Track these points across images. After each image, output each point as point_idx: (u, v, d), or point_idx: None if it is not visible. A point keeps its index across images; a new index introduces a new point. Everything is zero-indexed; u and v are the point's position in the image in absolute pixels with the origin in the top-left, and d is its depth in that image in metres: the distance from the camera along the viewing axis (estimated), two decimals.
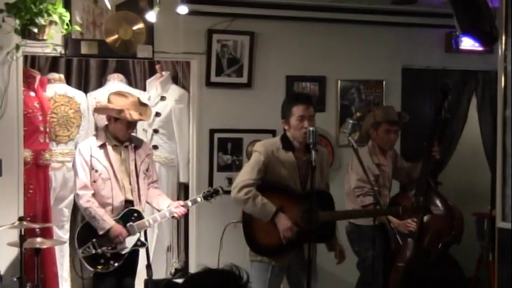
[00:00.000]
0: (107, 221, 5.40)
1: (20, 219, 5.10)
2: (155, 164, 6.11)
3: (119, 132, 5.53)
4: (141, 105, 5.67)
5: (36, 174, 6.12)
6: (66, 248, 6.44)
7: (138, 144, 5.66)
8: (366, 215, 5.55)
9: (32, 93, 6.11)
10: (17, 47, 5.69)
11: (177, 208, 5.58)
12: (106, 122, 5.65)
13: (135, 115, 5.50)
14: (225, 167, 6.59)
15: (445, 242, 5.67)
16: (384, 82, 7.04)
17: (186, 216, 6.20)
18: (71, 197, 6.40)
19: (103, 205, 5.45)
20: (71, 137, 6.44)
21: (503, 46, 4.61)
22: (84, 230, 5.48)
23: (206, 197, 5.71)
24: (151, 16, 5.88)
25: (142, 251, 5.65)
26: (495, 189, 4.76)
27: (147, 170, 5.65)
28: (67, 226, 6.54)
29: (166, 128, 6.75)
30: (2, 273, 5.53)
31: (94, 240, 5.40)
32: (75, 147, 6.18)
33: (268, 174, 4.95)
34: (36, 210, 6.05)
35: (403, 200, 5.80)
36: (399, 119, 6.06)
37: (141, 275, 5.71)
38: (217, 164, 6.58)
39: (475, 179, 7.71)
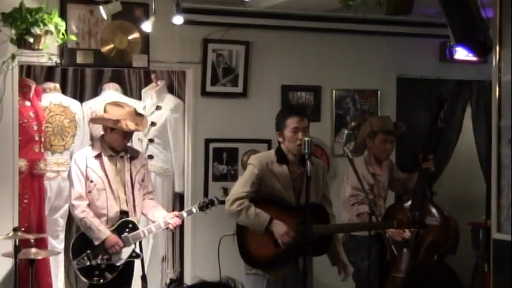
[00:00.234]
0: (103, 231, 5.39)
1: (15, 229, 5.09)
2: (150, 174, 6.10)
3: (115, 142, 5.52)
4: (137, 116, 5.67)
5: (31, 184, 6.11)
6: (61, 258, 6.42)
7: (133, 154, 5.65)
8: (360, 228, 5.54)
9: (28, 103, 6.11)
10: (13, 57, 5.68)
11: (172, 219, 5.56)
12: (101, 132, 5.64)
13: (131, 125, 5.50)
14: (220, 176, 6.59)
15: (441, 252, 5.67)
16: (379, 91, 7.06)
17: (181, 226, 6.18)
18: (66, 206, 6.39)
19: (98, 216, 5.43)
20: (66, 147, 6.43)
21: (498, 56, 4.61)
22: (79, 241, 5.46)
23: (201, 208, 5.68)
24: (146, 26, 5.89)
25: (137, 262, 5.63)
26: (490, 198, 4.75)
27: (142, 181, 5.64)
28: (62, 236, 6.51)
29: (162, 138, 6.75)
30: None
31: (89, 251, 5.37)
32: (70, 157, 6.17)
33: (262, 187, 4.94)
34: (31, 220, 6.04)
35: (398, 211, 5.79)
36: (395, 128, 6.07)
37: (136, 286, 5.70)
38: (213, 174, 6.58)
39: (470, 188, 7.72)
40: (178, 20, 5.78)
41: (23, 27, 5.44)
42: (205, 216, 5.91)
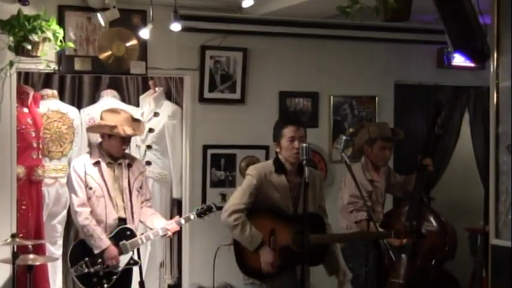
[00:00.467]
0: (104, 240, 5.38)
1: (13, 235, 5.08)
2: (148, 181, 6.10)
3: (113, 149, 5.52)
4: (134, 121, 5.68)
5: (29, 191, 6.10)
6: (59, 264, 6.41)
7: (131, 161, 5.65)
8: (357, 238, 5.55)
9: (25, 110, 6.11)
10: (11, 64, 5.69)
11: (171, 225, 5.56)
12: (99, 139, 5.64)
13: (128, 130, 5.50)
14: (218, 182, 6.59)
15: (438, 258, 5.67)
16: (377, 98, 7.08)
17: (179, 232, 6.17)
18: (64, 212, 6.40)
19: (96, 222, 5.43)
20: (64, 153, 6.43)
21: (496, 63, 4.62)
22: (77, 248, 5.45)
23: (200, 215, 5.68)
24: (144, 33, 5.89)
25: (135, 268, 5.62)
26: (488, 204, 4.76)
27: (140, 188, 5.63)
28: (60, 242, 6.51)
29: (160, 144, 6.75)
30: None
31: (87, 259, 5.36)
32: (68, 163, 6.18)
33: (260, 197, 4.96)
34: (29, 227, 6.04)
35: (395, 217, 5.80)
36: (394, 135, 6.07)
37: None
38: (211, 180, 6.58)
39: (468, 194, 7.73)
40: (176, 27, 5.79)
41: (21, 34, 5.45)
42: (203, 223, 5.90)
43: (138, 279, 5.57)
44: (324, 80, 6.88)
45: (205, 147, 6.56)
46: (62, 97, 6.67)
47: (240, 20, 6.49)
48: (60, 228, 6.52)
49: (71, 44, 5.90)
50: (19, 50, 5.52)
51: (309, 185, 4.60)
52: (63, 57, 5.99)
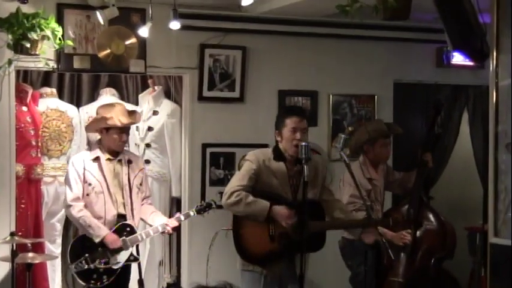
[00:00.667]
0: (102, 227, 5.39)
1: (12, 234, 5.09)
2: (148, 179, 6.10)
3: (113, 143, 5.51)
4: (129, 112, 5.67)
5: (28, 189, 6.11)
6: (58, 263, 6.42)
7: (131, 158, 5.65)
8: (357, 225, 5.54)
9: (24, 108, 6.11)
10: (10, 62, 5.69)
11: (171, 222, 5.56)
12: (98, 137, 5.64)
13: (124, 120, 5.50)
14: (217, 181, 6.58)
15: (438, 257, 5.68)
16: (376, 97, 7.07)
17: (178, 230, 6.19)
18: (63, 211, 6.38)
19: (95, 218, 5.42)
20: (63, 152, 6.43)
21: (495, 62, 4.62)
22: (77, 244, 5.45)
23: (199, 211, 5.69)
24: (143, 31, 5.89)
25: (134, 266, 5.62)
26: (487, 203, 4.76)
27: (140, 185, 5.63)
28: (59, 241, 6.51)
29: (159, 143, 6.75)
30: None
31: (87, 255, 5.37)
32: (67, 162, 6.17)
33: (259, 184, 4.96)
34: (28, 225, 6.04)
35: (395, 214, 5.80)
36: (391, 130, 6.08)
37: None
38: (210, 179, 6.58)
39: (467, 193, 7.72)
40: (175, 25, 5.79)
41: (20, 32, 5.45)
42: (202, 222, 5.91)
43: (137, 277, 5.57)
44: (323, 79, 6.88)
45: (205, 146, 6.56)
46: (61, 95, 6.67)
47: (239, 19, 6.48)
48: (59, 227, 6.52)
49: (70, 42, 5.90)
50: (18, 48, 5.52)
51: (310, 175, 4.61)
52: (62, 56, 5.99)
